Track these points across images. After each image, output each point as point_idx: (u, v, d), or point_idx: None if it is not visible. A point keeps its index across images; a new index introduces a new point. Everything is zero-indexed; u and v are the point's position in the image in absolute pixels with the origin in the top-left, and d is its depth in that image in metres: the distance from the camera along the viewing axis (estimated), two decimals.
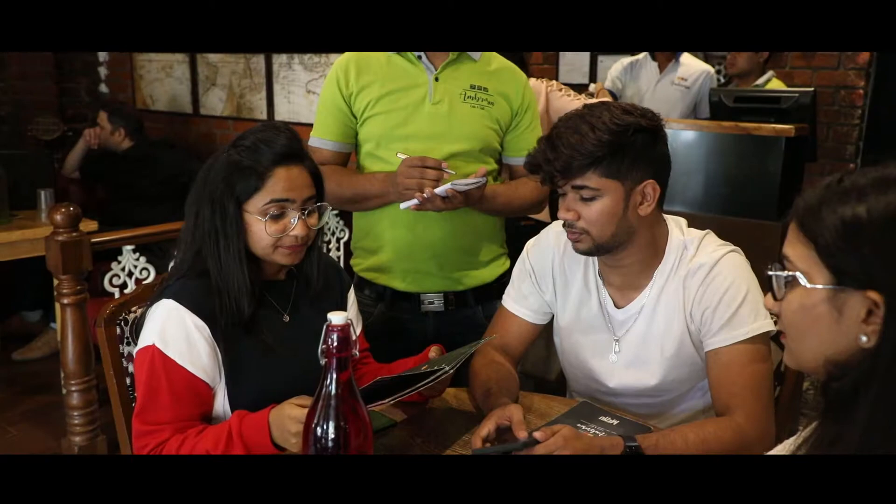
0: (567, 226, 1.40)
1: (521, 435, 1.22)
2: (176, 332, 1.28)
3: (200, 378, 1.29)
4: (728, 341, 1.35)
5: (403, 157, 1.69)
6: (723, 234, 1.49)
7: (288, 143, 1.33)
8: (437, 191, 1.60)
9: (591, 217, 1.36)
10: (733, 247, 1.44)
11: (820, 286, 0.84)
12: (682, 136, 2.81)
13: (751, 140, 2.65)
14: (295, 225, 1.33)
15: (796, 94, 2.77)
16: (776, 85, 3.59)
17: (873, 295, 0.79)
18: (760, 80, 3.54)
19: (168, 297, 1.30)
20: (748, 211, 2.65)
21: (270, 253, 1.35)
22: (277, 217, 1.32)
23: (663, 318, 1.43)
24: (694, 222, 1.52)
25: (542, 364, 2.55)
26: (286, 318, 1.40)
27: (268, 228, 1.31)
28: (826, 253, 0.82)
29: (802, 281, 0.85)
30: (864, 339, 0.81)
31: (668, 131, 1.43)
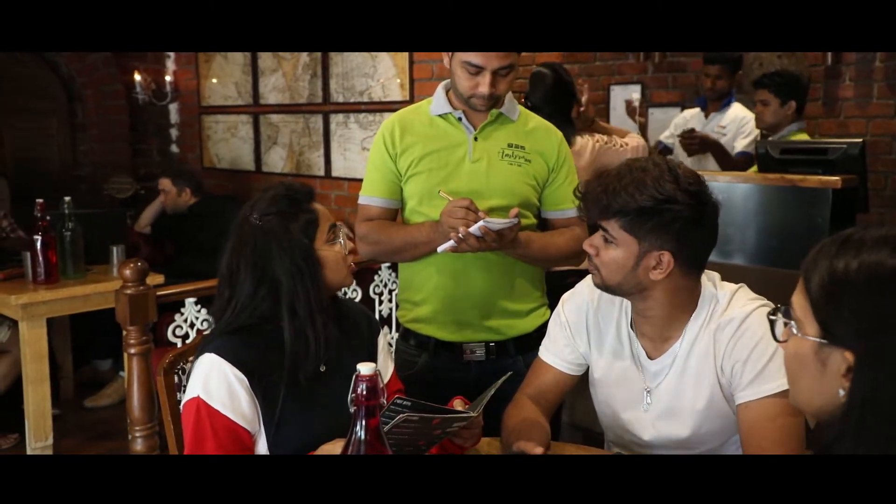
0: (588, 257, 1.48)
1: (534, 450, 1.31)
2: (218, 384, 1.36)
3: (242, 426, 1.37)
4: (757, 395, 1.36)
5: (448, 197, 1.77)
6: (773, 287, 1.50)
7: (302, 185, 1.50)
8: (471, 229, 1.67)
9: (604, 259, 1.43)
10: (765, 301, 1.46)
11: (808, 337, 0.86)
12: (729, 189, 2.82)
13: (797, 192, 2.64)
14: (346, 242, 1.49)
15: (844, 146, 2.75)
16: (801, 138, 3.51)
17: (849, 355, 0.82)
18: (784, 132, 3.44)
19: (210, 352, 1.39)
20: (797, 264, 2.62)
21: (345, 275, 1.48)
22: (334, 240, 1.47)
23: (694, 371, 1.45)
24: (745, 274, 1.54)
25: (591, 415, 2.56)
26: (322, 368, 1.47)
27: (340, 248, 1.46)
28: (815, 305, 0.85)
29: (794, 330, 0.88)
30: (841, 393, 0.83)
31: (713, 184, 1.44)
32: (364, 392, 0.98)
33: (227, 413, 1.36)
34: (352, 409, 1.00)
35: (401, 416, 1.20)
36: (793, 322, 0.89)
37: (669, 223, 1.36)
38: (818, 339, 0.85)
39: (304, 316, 1.39)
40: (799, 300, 0.89)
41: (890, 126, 3.99)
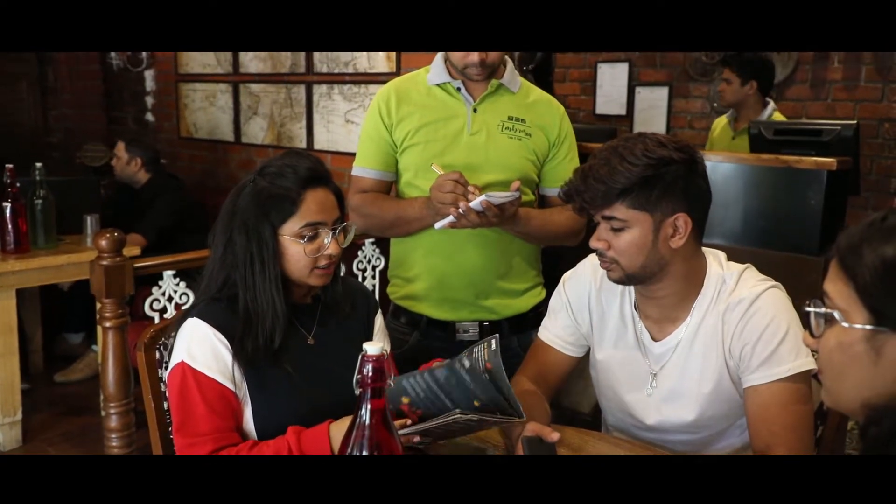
0: (599, 254, 1.42)
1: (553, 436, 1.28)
2: (202, 347, 1.32)
3: (229, 388, 1.33)
4: (767, 379, 1.33)
5: (440, 170, 1.70)
6: (763, 269, 1.47)
7: (313, 167, 1.39)
8: (471, 204, 1.60)
9: (621, 247, 1.36)
10: (774, 282, 1.42)
11: (858, 326, 0.82)
12: (721, 169, 2.79)
13: (791, 173, 2.61)
14: (329, 245, 1.38)
15: (838, 127, 2.72)
16: (778, 119, 3.54)
17: None
18: (763, 115, 3.47)
19: (193, 317, 1.35)
20: (789, 245, 2.60)
21: (306, 275, 1.39)
22: (312, 238, 1.37)
23: (701, 353, 1.41)
24: (734, 256, 1.50)
25: (577, 397, 2.53)
26: (310, 341, 1.43)
27: (306, 250, 1.36)
28: (865, 292, 0.81)
29: (840, 319, 0.83)
30: None
31: (706, 164, 1.42)
32: (370, 373, 0.92)
33: (214, 375, 1.32)
34: (357, 391, 0.94)
35: (458, 411, 1.16)
36: (834, 312, 0.84)
37: (673, 184, 1.33)
38: (872, 327, 0.80)
39: (254, 292, 1.35)
40: (838, 288, 0.84)
41: (877, 109, 3.99)
